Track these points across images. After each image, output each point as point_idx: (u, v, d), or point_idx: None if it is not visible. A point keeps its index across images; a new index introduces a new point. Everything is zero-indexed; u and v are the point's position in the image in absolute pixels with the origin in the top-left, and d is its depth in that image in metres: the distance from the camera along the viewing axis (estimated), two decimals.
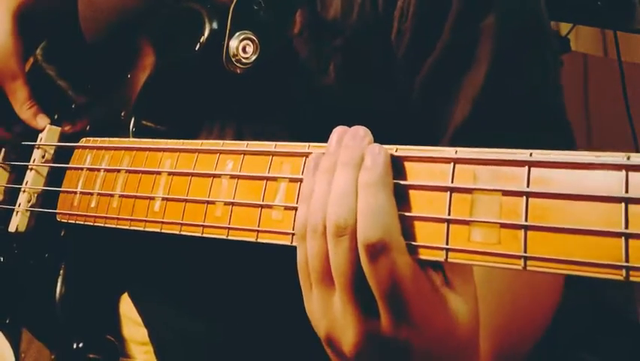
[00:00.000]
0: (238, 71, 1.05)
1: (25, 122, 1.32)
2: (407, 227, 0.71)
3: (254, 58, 1.05)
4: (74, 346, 1.16)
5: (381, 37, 1.06)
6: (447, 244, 0.68)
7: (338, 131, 0.77)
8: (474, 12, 1.03)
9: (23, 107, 1.32)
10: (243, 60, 1.05)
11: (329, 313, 0.75)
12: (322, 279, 0.75)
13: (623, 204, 0.57)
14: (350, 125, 1.00)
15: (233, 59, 1.05)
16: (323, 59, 1.08)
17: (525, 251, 0.62)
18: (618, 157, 0.58)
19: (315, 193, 0.75)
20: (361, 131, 0.75)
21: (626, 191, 0.57)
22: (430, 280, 0.72)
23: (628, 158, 0.58)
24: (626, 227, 0.56)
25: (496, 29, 1.02)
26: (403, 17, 1.05)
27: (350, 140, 0.75)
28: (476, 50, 1.03)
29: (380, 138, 0.80)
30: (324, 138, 0.81)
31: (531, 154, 0.63)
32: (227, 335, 1.17)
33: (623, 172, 0.57)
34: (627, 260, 0.56)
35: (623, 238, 0.57)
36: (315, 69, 1.08)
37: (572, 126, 1.09)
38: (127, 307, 1.24)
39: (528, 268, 0.62)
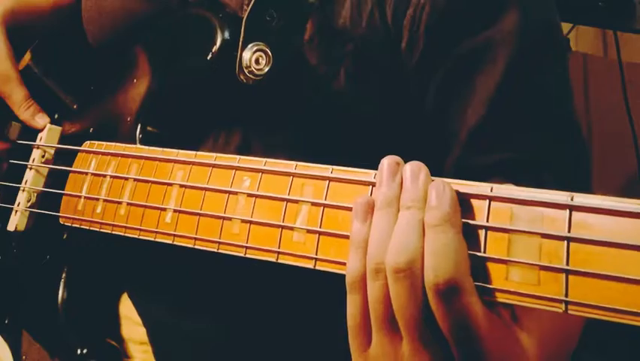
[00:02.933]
0: (250, 82, 1.04)
1: (25, 123, 1.30)
2: None
3: (267, 69, 1.04)
4: (78, 352, 1.15)
5: (390, 45, 1.06)
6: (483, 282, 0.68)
7: (388, 165, 0.75)
8: (490, 16, 1.03)
9: (21, 108, 1.30)
10: (256, 72, 1.04)
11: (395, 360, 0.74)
12: (386, 325, 0.73)
13: None
14: (365, 137, 1.00)
15: (246, 71, 1.04)
16: (334, 64, 1.07)
17: (566, 295, 0.62)
18: None
19: (376, 233, 0.73)
20: (416, 168, 0.74)
21: None
22: (502, 319, 0.71)
23: None
24: None
25: (513, 33, 1.02)
26: (415, 25, 1.04)
27: (410, 182, 0.73)
28: (492, 54, 1.02)
29: (391, 144, 0.79)
30: (333, 147, 0.81)
31: (572, 198, 0.63)
32: (226, 334, 1.17)
33: None
34: None
35: None
36: (326, 75, 1.07)
37: (581, 128, 1.09)
38: (126, 307, 1.24)
39: (569, 311, 0.62)
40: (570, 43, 2.71)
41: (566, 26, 2.63)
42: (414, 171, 0.73)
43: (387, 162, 0.75)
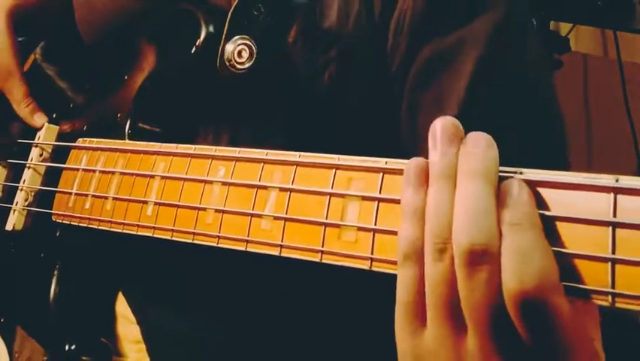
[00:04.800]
0: (232, 77, 1.04)
1: (23, 120, 1.32)
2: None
3: (249, 64, 1.04)
4: (67, 348, 1.15)
5: (376, 47, 1.06)
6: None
7: (444, 128, 0.67)
8: (460, 20, 1.02)
9: (21, 105, 1.31)
10: (238, 65, 1.04)
11: (453, 354, 0.66)
12: (447, 314, 0.65)
13: (610, 228, 0.55)
14: (352, 136, 1.00)
15: (228, 64, 1.04)
16: (318, 68, 1.07)
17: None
18: (607, 179, 0.56)
19: (436, 206, 0.65)
20: (483, 139, 0.66)
21: (614, 215, 0.55)
22: (575, 307, 0.62)
23: (617, 180, 0.56)
24: (613, 252, 0.55)
25: (483, 32, 1.01)
26: (399, 29, 1.04)
27: (473, 147, 0.65)
28: (461, 51, 1.01)
29: (376, 145, 0.78)
30: (320, 145, 0.80)
31: (521, 172, 0.62)
32: (221, 334, 1.17)
33: (612, 195, 0.56)
34: (614, 286, 0.55)
35: (609, 263, 0.55)
36: (309, 78, 1.07)
37: (563, 120, 1.07)
38: (122, 305, 1.24)
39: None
40: (570, 43, 2.70)
41: (565, 26, 2.64)
42: (475, 139, 0.66)
43: (440, 124, 0.67)
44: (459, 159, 0.65)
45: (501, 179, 0.63)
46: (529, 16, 1.09)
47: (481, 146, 0.65)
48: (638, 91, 2.65)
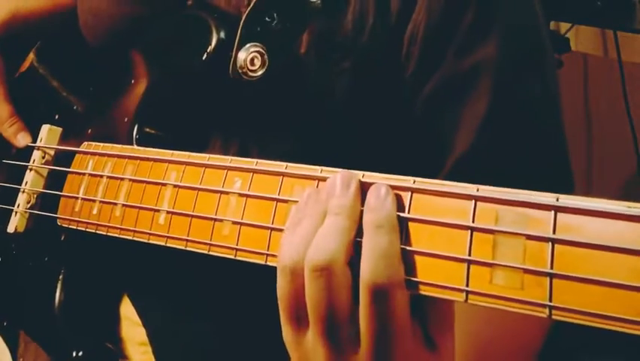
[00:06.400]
0: (244, 84, 1.04)
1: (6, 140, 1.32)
2: (416, 264, 0.70)
3: (261, 72, 1.03)
4: (74, 355, 1.15)
5: (391, 59, 1.06)
6: (467, 285, 0.66)
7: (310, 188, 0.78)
8: (475, 41, 1.03)
9: (5, 125, 1.32)
10: (250, 73, 1.03)
11: (300, 347, 0.78)
12: (296, 315, 0.76)
13: None
14: (363, 146, 1.00)
15: (240, 71, 1.03)
16: (330, 80, 1.07)
17: (550, 300, 0.60)
18: None
19: (295, 239, 0.75)
20: (347, 176, 0.75)
21: None
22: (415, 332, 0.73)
23: None
24: None
25: (497, 59, 1.03)
26: (413, 40, 1.05)
27: (339, 190, 0.74)
28: (477, 80, 1.03)
29: (386, 159, 0.78)
30: (330, 157, 0.80)
31: (557, 199, 0.61)
32: (226, 336, 1.16)
33: None
34: None
35: None
36: (323, 89, 1.07)
37: (570, 160, 1.10)
38: (126, 307, 1.23)
39: (553, 316, 0.60)
40: (570, 43, 2.72)
41: (565, 26, 2.65)
42: (345, 178, 0.74)
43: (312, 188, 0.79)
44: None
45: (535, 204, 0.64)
46: (545, 30, 1.10)
47: (343, 186, 0.74)
48: (638, 91, 2.66)
